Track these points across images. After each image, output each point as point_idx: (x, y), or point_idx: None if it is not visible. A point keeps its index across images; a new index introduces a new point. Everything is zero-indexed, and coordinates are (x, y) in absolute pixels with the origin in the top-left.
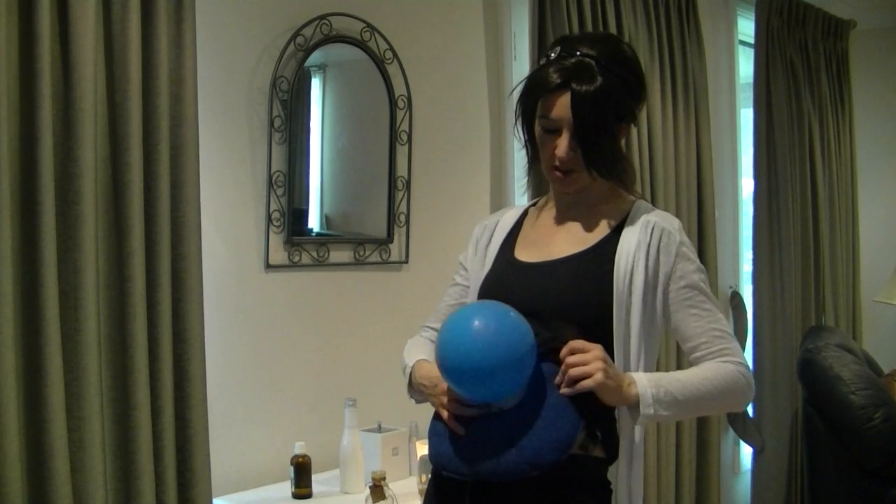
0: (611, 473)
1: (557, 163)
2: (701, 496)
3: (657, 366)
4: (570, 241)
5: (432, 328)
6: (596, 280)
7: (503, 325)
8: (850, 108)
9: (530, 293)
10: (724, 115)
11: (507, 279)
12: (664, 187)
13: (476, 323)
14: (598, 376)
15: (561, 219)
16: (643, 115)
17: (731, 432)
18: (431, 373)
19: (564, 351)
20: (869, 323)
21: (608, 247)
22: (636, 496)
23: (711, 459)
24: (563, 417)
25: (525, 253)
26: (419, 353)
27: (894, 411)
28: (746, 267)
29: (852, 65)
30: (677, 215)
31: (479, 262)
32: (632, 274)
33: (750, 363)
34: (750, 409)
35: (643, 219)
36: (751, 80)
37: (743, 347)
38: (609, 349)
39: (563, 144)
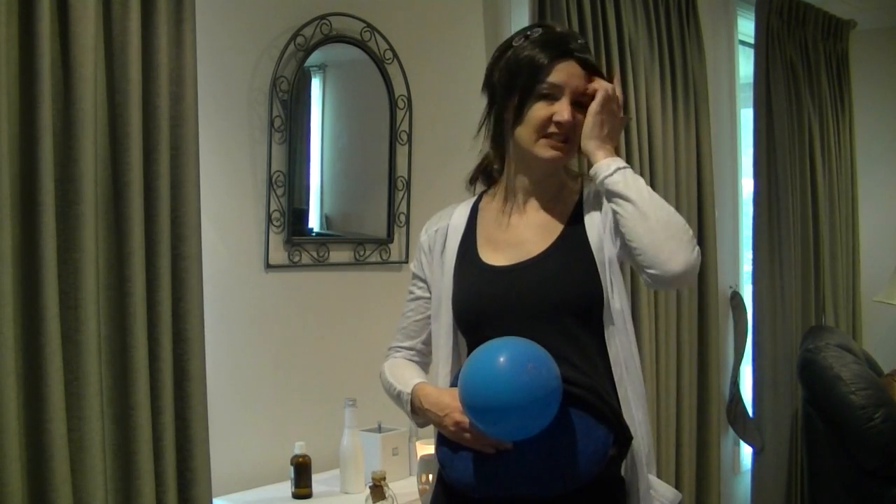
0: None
1: (555, 128)
2: (701, 496)
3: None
4: (537, 233)
5: (404, 347)
6: (583, 266)
7: (535, 363)
8: (850, 108)
9: (520, 296)
10: (724, 115)
11: (488, 287)
12: (664, 187)
13: (503, 361)
14: (608, 93)
15: (519, 210)
16: (643, 115)
17: (731, 432)
18: (441, 400)
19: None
20: (869, 323)
21: (576, 229)
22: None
23: (711, 459)
24: (595, 430)
25: (496, 256)
26: (411, 375)
27: (894, 411)
28: (746, 267)
29: (852, 65)
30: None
31: (437, 271)
32: (603, 247)
33: (750, 363)
34: (750, 409)
35: (599, 195)
36: (751, 80)
37: (743, 347)
38: (602, 323)
39: (563, 107)
